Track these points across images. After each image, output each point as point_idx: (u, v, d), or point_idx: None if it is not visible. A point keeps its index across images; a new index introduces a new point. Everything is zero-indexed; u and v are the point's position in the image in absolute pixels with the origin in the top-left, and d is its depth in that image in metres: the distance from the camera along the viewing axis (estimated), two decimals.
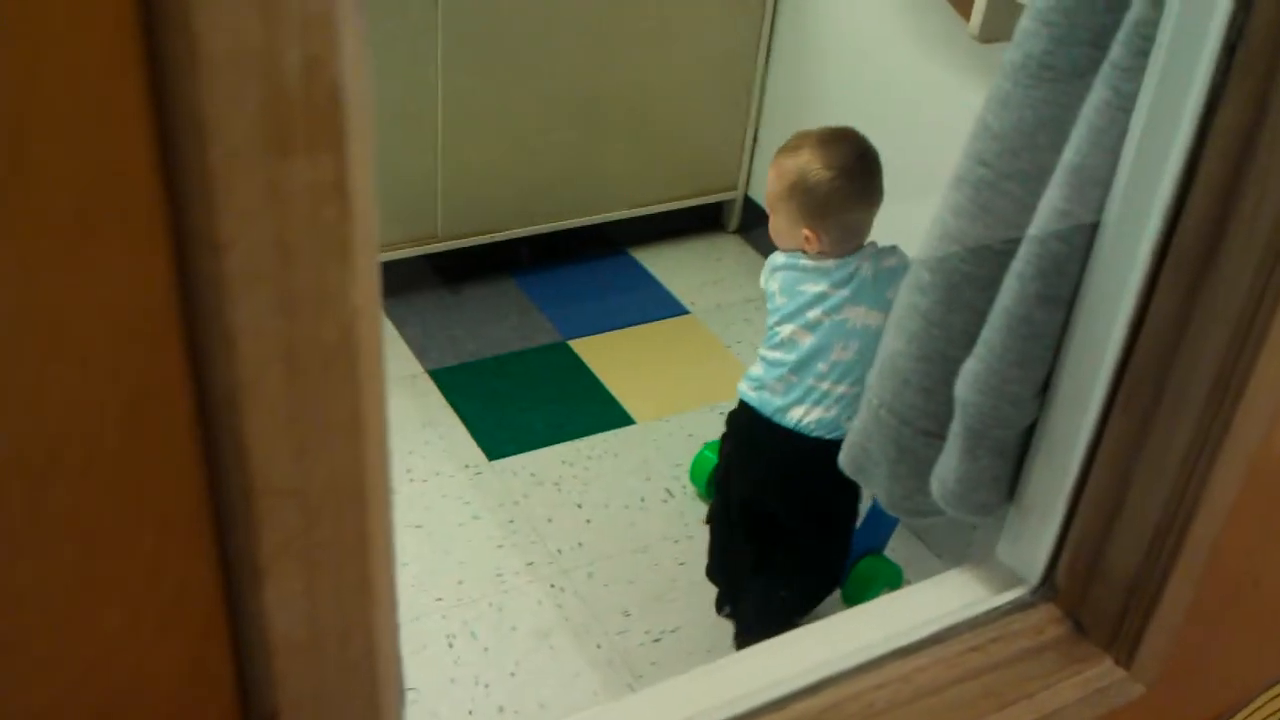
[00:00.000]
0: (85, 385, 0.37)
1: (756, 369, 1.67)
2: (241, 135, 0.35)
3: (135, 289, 0.37)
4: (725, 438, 1.78)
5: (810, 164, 1.53)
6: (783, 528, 1.76)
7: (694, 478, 2.03)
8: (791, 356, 1.62)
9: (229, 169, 0.35)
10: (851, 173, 1.53)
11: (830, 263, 1.58)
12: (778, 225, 1.58)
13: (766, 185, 1.61)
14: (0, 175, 0.33)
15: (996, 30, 1.87)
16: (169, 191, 0.36)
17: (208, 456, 0.41)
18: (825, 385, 1.61)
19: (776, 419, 1.63)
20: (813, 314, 1.60)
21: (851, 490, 1.55)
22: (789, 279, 1.62)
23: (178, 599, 0.42)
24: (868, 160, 1.54)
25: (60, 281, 0.35)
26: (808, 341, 1.61)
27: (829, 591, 1.81)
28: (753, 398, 1.66)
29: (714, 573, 1.86)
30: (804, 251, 1.59)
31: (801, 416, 1.62)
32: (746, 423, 1.69)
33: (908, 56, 2.20)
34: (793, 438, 1.62)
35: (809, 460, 1.60)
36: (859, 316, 1.58)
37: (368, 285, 0.40)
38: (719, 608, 1.85)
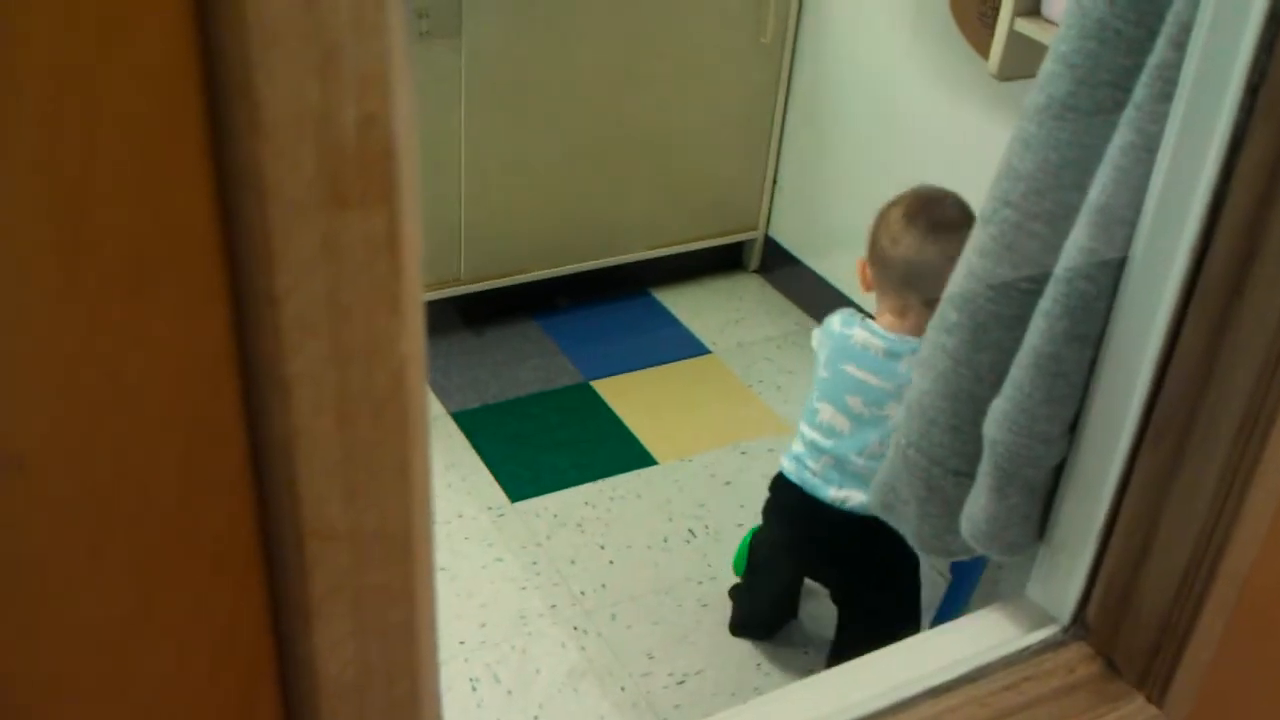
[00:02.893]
0: (144, 432, 0.38)
1: (798, 446, 1.64)
2: (299, 191, 0.36)
3: (193, 340, 0.38)
4: (767, 516, 1.74)
5: (893, 207, 1.55)
6: (843, 603, 1.74)
7: (738, 568, 1.96)
8: (829, 442, 1.59)
9: (286, 224, 0.36)
10: (921, 227, 1.50)
11: (881, 345, 1.54)
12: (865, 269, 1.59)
13: None
14: (66, 233, 0.34)
15: (1015, 68, 1.88)
16: (227, 246, 0.37)
17: (261, 501, 0.42)
18: (869, 471, 1.57)
19: (819, 496, 1.60)
20: (853, 401, 1.56)
21: (908, 555, 1.53)
22: (836, 352, 1.58)
23: (229, 641, 0.43)
24: (940, 217, 1.52)
25: (121, 332, 0.37)
26: (846, 430, 1.57)
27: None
28: (793, 475, 1.64)
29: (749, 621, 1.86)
30: (869, 317, 1.57)
31: (845, 499, 1.58)
32: (791, 502, 1.65)
33: (927, 96, 2.22)
34: (838, 515, 1.59)
35: (857, 535, 1.57)
36: None
37: (415, 334, 0.41)
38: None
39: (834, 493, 1.59)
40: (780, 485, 1.68)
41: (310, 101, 0.35)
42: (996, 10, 1.91)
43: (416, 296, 0.41)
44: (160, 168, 0.35)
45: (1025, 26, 1.85)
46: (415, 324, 0.41)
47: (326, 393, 0.39)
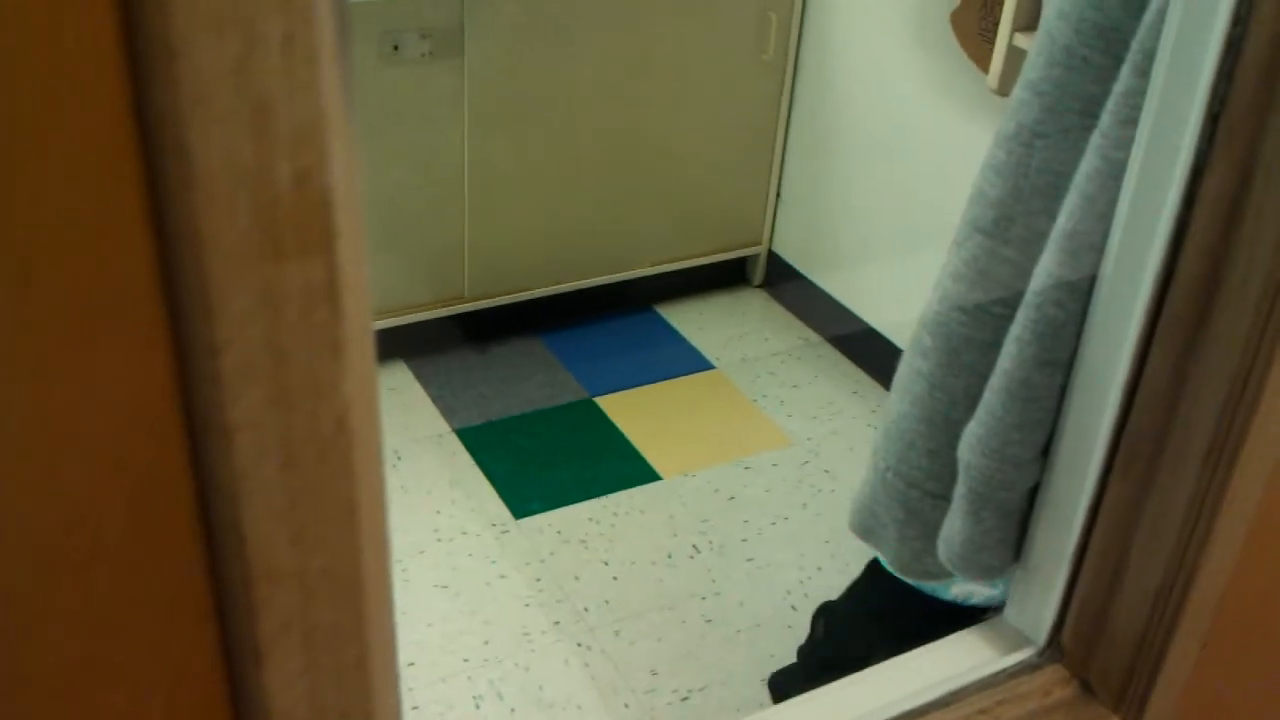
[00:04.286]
0: (91, 481, 0.39)
1: None
2: (235, 243, 0.37)
3: (137, 389, 0.39)
4: (868, 616, 1.55)
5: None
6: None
7: None
8: None
9: (224, 275, 0.37)
10: None
11: None
12: None
13: None
14: (11, 288, 0.35)
15: (1015, 83, 1.88)
16: (168, 297, 0.38)
17: (209, 544, 0.42)
18: None
19: (940, 597, 1.38)
20: None
21: None
22: None
23: (182, 683, 0.44)
24: None
25: (67, 385, 0.37)
26: None
27: None
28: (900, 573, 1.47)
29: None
30: None
31: (968, 595, 1.37)
32: (901, 606, 1.43)
33: (928, 110, 2.22)
34: (959, 611, 1.37)
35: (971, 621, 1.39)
36: None
37: (361, 378, 0.42)
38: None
39: (955, 590, 1.35)
40: (888, 583, 1.41)
41: (243, 157, 0.36)
42: (997, 25, 1.91)
43: (363, 340, 0.42)
44: (102, 222, 0.36)
45: (1024, 41, 1.86)
46: (361, 367, 0.42)
47: (269, 438, 0.40)
